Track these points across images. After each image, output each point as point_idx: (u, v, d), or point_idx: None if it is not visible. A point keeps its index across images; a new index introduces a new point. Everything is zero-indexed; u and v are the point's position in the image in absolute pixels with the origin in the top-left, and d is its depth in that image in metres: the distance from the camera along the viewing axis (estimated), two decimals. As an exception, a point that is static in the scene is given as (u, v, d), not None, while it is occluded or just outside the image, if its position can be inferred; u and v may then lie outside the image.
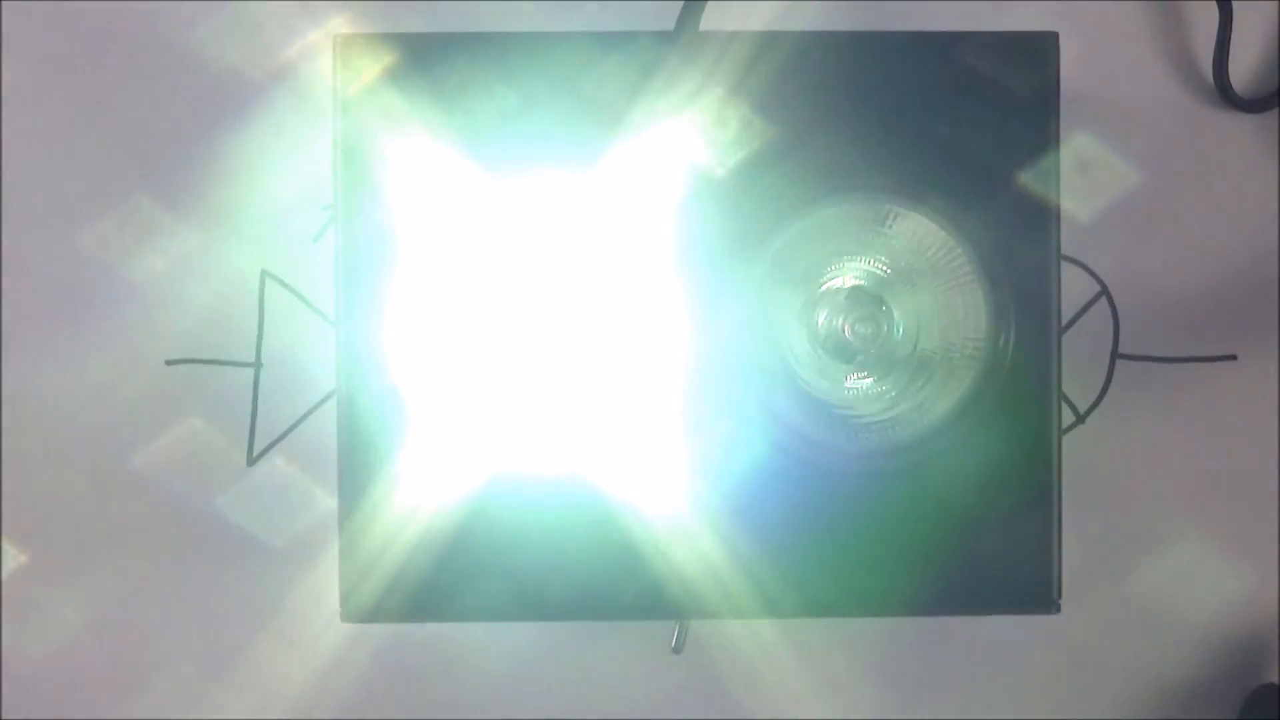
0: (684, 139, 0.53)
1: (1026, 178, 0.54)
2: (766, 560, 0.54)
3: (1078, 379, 0.68)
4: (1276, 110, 0.68)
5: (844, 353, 0.55)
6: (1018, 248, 0.54)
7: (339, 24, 0.54)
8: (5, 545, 0.68)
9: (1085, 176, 0.67)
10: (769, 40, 0.54)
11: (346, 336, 0.53)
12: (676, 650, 0.66)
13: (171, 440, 0.67)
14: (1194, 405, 0.68)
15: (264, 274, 0.67)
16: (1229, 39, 0.67)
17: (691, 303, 0.54)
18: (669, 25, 0.63)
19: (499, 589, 0.54)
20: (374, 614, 0.54)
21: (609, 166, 0.54)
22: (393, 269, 0.54)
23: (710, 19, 0.63)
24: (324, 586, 0.63)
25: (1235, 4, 0.67)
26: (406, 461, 0.54)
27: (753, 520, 0.54)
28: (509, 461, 0.54)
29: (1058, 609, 0.54)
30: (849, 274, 0.56)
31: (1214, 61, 0.67)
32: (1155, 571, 0.68)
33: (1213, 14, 0.67)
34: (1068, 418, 0.67)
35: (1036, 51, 0.54)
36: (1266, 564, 0.68)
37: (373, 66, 0.53)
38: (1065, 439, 0.56)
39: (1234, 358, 0.68)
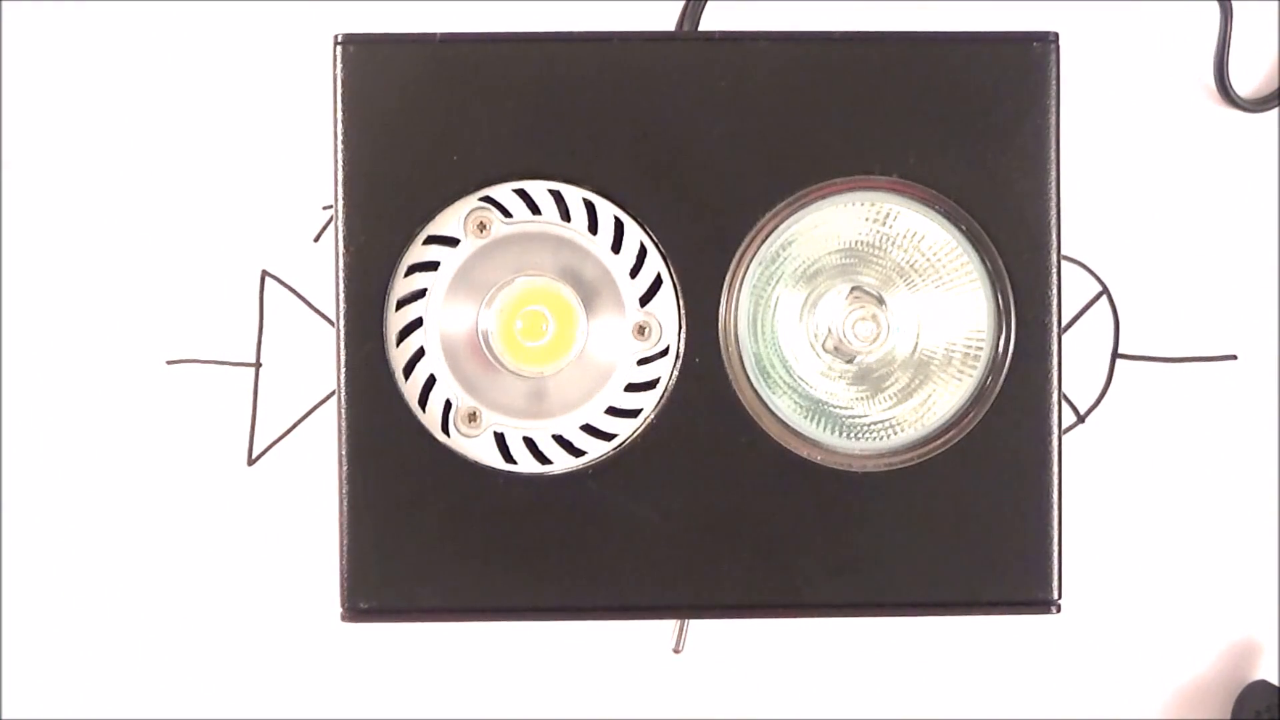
0: (683, 138, 0.53)
1: (1026, 177, 0.54)
2: (765, 560, 0.54)
3: (1078, 379, 0.68)
4: (1276, 110, 0.68)
5: (844, 353, 0.55)
6: (1018, 247, 0.54)
7: (339, 24, 0.54)
8: (6, 546, 0.68)
9: (1085, 175, 0.67)
10: (768, 40, 0.54)
11: (347, 336, 0.53)
12: (676, 650, 0.67)
13: (171, 440, 0.67)
14: (1194, 405, 0.68)
15: (264, 274, 0.67)
16: (1229, 39, 0.67)
17: (691, 302, 0.54)
18: (669, 25, 0.63)
19: (499, 588, 0.54)
20: (374, 613, 0.54)
21: (608, 166, 0.54)
22: (393, 269, 0.54)
23: (710, 19, 0.63)
24: (324, 587, 0.63)
25: (1235, 4, 0.66)
26: (407, 461, 0.54)
27: (752, 520, 0.54)
28: (510, 461, 0.54)
29: (1058, 609, 0.54)
30: (849, 274, 0.56)
31: (1214, 61, 0.67)
32: (1154, 571, 0.68)
33: (1213, 14, 0.67)
34: (1068, 418, 0.67)
35: (1036, 52, 0.54)
36: (1264, 563, 0.68)
37: (373, 66, 0.53)
38: (1065, 439, 0.55)
39: (1234, 358, 0.68)
